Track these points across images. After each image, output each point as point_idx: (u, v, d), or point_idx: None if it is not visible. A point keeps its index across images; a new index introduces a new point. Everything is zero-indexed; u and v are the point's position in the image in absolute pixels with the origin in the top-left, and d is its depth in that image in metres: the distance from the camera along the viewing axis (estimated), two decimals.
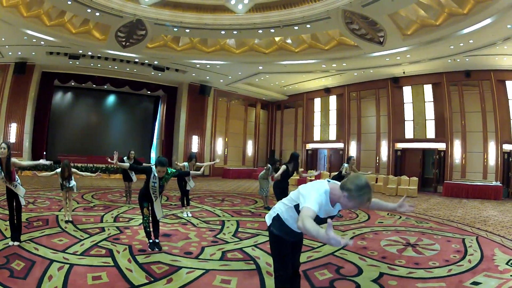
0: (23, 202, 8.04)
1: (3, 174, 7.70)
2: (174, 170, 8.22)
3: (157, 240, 8.08)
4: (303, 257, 6.86)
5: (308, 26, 20.13)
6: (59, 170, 10.81)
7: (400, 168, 26.27)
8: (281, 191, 11.80)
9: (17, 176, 7.98)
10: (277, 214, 4.41)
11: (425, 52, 20.74)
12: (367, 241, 9.10)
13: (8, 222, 8.12)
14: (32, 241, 8.16)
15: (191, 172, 9.31)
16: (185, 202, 12.71)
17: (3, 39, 22.75)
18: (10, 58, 26.60)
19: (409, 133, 26.42)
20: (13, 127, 27.56)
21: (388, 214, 13.61)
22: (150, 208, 8.01)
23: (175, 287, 5.88)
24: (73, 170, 11.08)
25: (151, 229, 8.07)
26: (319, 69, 25.80)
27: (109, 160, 8.23)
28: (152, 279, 6.18)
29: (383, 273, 6.69)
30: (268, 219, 4.53)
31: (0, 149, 7.61)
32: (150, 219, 8.05)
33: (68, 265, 6.60)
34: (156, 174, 7.81)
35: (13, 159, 7.91)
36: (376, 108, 28.10)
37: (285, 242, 4.45)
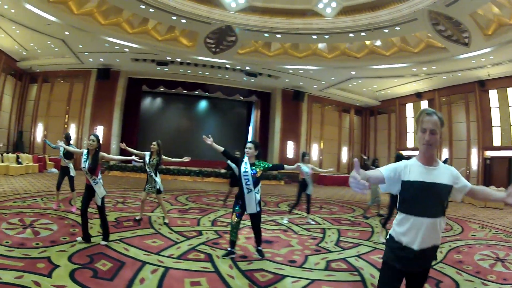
0: (98, 202, 8.12)
1: (87, 165, 8.02)
2: (269, 164, 7.97)
3: (259, 248, 7.95)
4: None
5: (398, 28, 20.05)
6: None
7: (489, 177, 25.20)
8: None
9: (100, 175, 8.24)
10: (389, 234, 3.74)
11: (505, 53, 20.09)
12: (462, 255, 8.99)
13: (80, 218, 8.16)
14: (122, 241, 8.42)
15: (285, 166, 8.57)
16: (305, 209, 13.19)
17: (80, 46, 24.26)
18: (91, 64, 28.44)
19: (496, 140, 25.41)
20: (99, 129, 29.30)
21: (479, 227, 13.50)
22: (240, 214, 7.74)
23: None
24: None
25: (237, 240, 7.93)
26: (409, 73, 25.57)
27: (204, 137, 7.98)
28: (256, 287, 6.20)
29: None
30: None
31: (89, 141, 8.11)
32: (239, 227, 7.94)
33: (163, 268, 6.71)
34: (247, 160, 7.72)
35: (102, 153, 8.29)
36: (465, 113, 27.28)
37: (393, 269, 3.58)
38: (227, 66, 27.03)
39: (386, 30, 20.36)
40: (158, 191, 10.96)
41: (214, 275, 6.55)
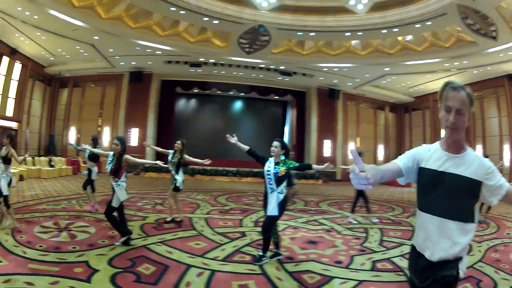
0: (115, 204, 7.99)
1: (111, 167, 8.10)
2: (296, 163, 7.50)
3: (261, 254, 7.48)
4: None
5: (429, 23, 19.75)
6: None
7: None
8: None
9: (123, 178, 8.22)
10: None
11: None
12: (499, 254, 8.81)
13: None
14: (164, 243, 8.31)
15: (313, 166, 7.96)
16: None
17: (110, 50, 24.43)
18: (123, 67, 28.64)
19: None
20: (134, 131, 29.72)
21: None
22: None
23: None
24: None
25: (279, 241, 7.71)
26: (441, 68, 25.19)
27: (228, 136, 7.91)
28: None
29: None
30: None
31: (113, 144, 8.19)
32: (279, 232, 7.72)
33: (209, 271, 6.55)
34: (272, 159, 7.42)
35: (127, 156, 8.21)
36: (497, 108, 26.82)
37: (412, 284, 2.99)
38: (261, 65, 26.97)
39: (417, 25, 20.14)
40: (177, 189, 10.89)
41: (262, 277, 6.39)
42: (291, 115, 36.77)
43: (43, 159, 24.18)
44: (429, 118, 33.39)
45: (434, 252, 2.71)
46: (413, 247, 2.93)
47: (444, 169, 2.73)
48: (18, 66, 25.17)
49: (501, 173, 10.11)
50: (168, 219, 10.72)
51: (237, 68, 27.53)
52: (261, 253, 7.37)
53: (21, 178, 18.98)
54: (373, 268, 7.26)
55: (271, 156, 7.43)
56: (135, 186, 19.21)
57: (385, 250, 8.74)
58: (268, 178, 7.26)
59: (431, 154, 2.85)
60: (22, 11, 18.23)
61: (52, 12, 18.27)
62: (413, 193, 14.28)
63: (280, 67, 27.10)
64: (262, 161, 7.53)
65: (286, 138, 36.74)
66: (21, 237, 7.91)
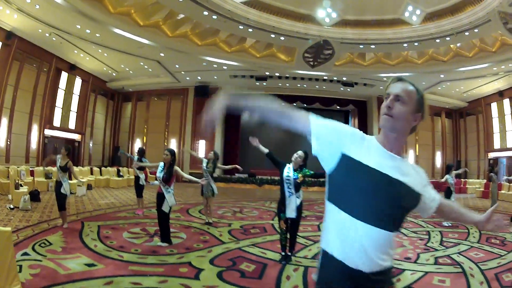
0: (166, 209, 8.69)
1: (162, 175, 8.77)
2: (312, 171, 8.00)
3: (289, 254, 7.99)
4: (493, 263, 8.22)
5: (476, 30, 20.22)
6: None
7: None
8: None
9: (173, 186, 8.92)
10: None
11: None
12: None
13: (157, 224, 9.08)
14: (256, 246, 9.10)
15: None
16: None
17: (176, 66, 25.46)
18: (188, 82, 29.74)
19: None
20: (202, 143, 30.86)
21: None
22: (287, 221, 7.89)
23: (405, 284, 6.71)
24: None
25: (287, 244, 8.02)
26: (490, 72, 25.36)
27: (251, 139, 8.54)
28: None
29: None
30: None
31: (164, 155, 8.88)
32: (288, 235, 7.99)
33: (303, 267, 7.34)
34: (291, 166, 7.91)
35: (176, 168, 8.95)
36: None
37: None
38: (325, 77, 27.55)
39: (467, 33, 20.61)
40: (213, 194, 11.88)
41: None
42: (353, 124, 36.67)
43: (111, 169, 25.09)
44: (482, 123, 33.27)
45: (366, 263, 2.18)
46: (329, 256, 2.27)
47: (387, 172, 2.21)
48: (78, 81, 26.44)
49: None
50: (210, 221, 11.68)
51: (301, 81, 28.21)
52: (289, 253, 7.94)
53: (89, 187, 19.71)
54: (436, 263, 8.27)
55: (290, 162, 7.96)
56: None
57: (445, 249, 9.70)
58: (287, 183, 7.78)
59: (364, 145, 2.31)
60: (81, 29, 19.18)
61: (117, 30, 19.19)
62: (469, 199, 15.03)
63: (343, 78, 27.63)
64: (280, 165, 8.05)
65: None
66: (112, 242, 8.49)
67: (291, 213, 7.74)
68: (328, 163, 2.34)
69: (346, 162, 2.24)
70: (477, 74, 25.91)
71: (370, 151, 2.26)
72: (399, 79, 2.41)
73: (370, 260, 2.16)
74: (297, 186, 7.82)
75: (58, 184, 10.02)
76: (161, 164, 8.94)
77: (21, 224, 9.52)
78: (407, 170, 2.28)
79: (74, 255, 7.21)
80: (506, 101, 30.06)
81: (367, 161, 2.20)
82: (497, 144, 31.54)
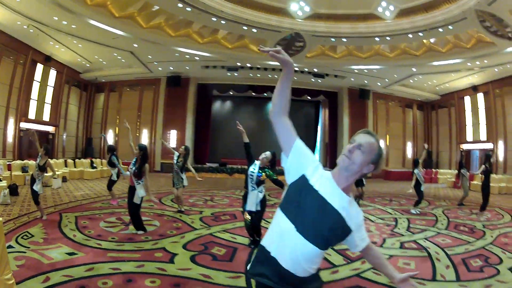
0: (137, 201, 9.13)
1: (134, 169, 9.22)
2: (275, 176, 8.27)
3: (257, 239, 8.42)
4: (461, 249, 8.84)
5: (451, 27, 20.62)
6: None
7: None
8: None
9: (143, 180, 9.27)
10: None
11: None
12: (508, 239, 10.15)
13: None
14: (226, 231, 9.73)
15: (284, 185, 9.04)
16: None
17: (149, 56, 25.61)
18: (161, 72, 29.91)
19: None
20: (173, 134, 30.85)
21: None
22: (252, 214, 8.26)
23: (369, 266, 7.05)
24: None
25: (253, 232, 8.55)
26: (464, 67, 25.94)
27: (238, 123, 8.49)
28: (350, 261, 7.60)
29: None
30: None
31: (135, 150, 9.45)
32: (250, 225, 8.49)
33: None
34: (258, 164, 8.24)
35: (146, 166, 9.37)
36: None
37: None
38: (296, 69, 27.27)
39: (441, 30, 20.95)
40: (183, 185, 12.50)
41: None
42: (323, 115, 37.51)
43: (85, 161, 25.19)
44: (454, 116, 33.91)
45: (295, 268, 2.62)
46: (266, 251, 2.73)
47: (331, 201, 2.60)
48: (53, 73, 26.28)
49: None
50: (182, 209, 12.36)
51: (272, 71, 28.48)
52: (257, 238, 8.40)
53: (64, 179, 19.83)
54: (401, 247, 8.91)
55: (258, 160, 8.32)
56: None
57: (411, 234, 10.35)
58: (250, 178, 8.17)
59: (321, 175, 2.71)
60: (58, 21, 19.18)
61: (92, 22, 19.22)
62: (440, 189, 15.71)
63: (314, 70, 28.05)
64: (250, 160, 8.36)
65: (318, 137, 37.98)
66: (89, 231, 8.91)
67: (250, 206, 8.16)
68: (291, 177, 2.75)
69: (303, 181, 2.66)
70: (451, 69, 26.52)
71: (322, 180, 2.66)
72: (368, 132, 2.77)
73: (302, 268, 2.63)
74: (259, 183, 8.20)
75: (32, 181, 10.39)
76: (134, 158, 9.43)
77: (3, 218, 9.76)
78: (347, 206, 2.65)
79: (55, 245, 7.58)
80: (480, 95, 30.79)
81: (318, 188, 2.62)
82: (469, 137, 32.28)
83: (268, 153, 8.37)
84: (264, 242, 2.78)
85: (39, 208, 10.33)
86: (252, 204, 8.12)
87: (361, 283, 6.42)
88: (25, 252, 6.99)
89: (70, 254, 7.07)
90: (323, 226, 2.59)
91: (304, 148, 2.73)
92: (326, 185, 2.65)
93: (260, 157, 8.31)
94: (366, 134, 2.74)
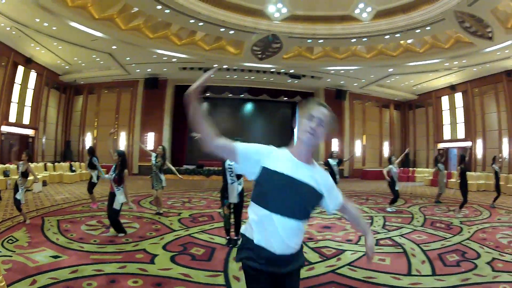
0: (117, 206, 9.35)
1: (114, 175, 9.41)
2: None
3: (235, 238, 8.77)
4: (437, 245, 9.13)
5: (428, 28, 21.07)
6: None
7: None
8: None
9: (122, 186, 9.49)
10: None
11: None
12: (486, 234, 10.47)
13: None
14: (204, 232, 10.02)
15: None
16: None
17: (127, 58, 25.69)
18: (139, 74, 29.93)
19: None
20: (150, 136, 30.98)
21: (505, 212, 14.73)
22: (231, 207, 8.77)
23: (345, 263, 7.54)
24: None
25: (231, 228, 8.88)
26: (442, 67, 26.45)
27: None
28: (325, 258, 7.92)
29: (495, 258, 8.05)
30: None
31: (114, 157, 9.59)
32: (232, 220, 8.88)
33: None
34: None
35: (126, 172, 9.61)
36: (496, 103, 27.76)
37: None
38: (272, 70, 28.17)
39: (418, 31, 21.37)
40: (162, 187, 12.70)
41: None
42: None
43: (64, 164, 25.34)
44: (432, 115, 34.41)
45: (282, 248, 2.87)
46: (250, 240, 2.98)
47: (296, 176, 2.88)
48: (33, 75, 26.08)
49: (501, 165, 11.65)
50: (160, 211, 12.51)
51: (249, 73, 28.76)
52: (235, 237, 8.72)
53: (44, 183, 19.88)
54: (376, 244, 8.97)
55: None
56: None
57: (386, 232, 10.68)
58: (229, 171, 8.51)
59: (279, 157, 2.95)
60: (40, 22, 19.18)
61: (73, 24, 19.27)
62: (417, 187, 16.20)
63: (290, 71, 28.34)
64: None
65: (295, 138, 37.58)
66: (72, 234, 9.13)
67: (234, 198, 8.61)
68: (252, 175, 2.97)
69: (265, 171, 2.90)
70: (428, 69, 26.94)
71: (281, 160, 2.92)
72: (320, 104, 3.00)
73: (286, 245, 2.89)
74: (238, 175, 8.62)
75: (15, 189, 10.56)
76: (114, 165, 9.61)
77: None
78: (314, 175, 2.98)
79: (39, 249, 7.81)
80: (458, 95, 31.33)
81: (280, 169, 2.87)
82: (447, 135, 32.80)
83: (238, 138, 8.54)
84: (245, 231, 3.07)
85: (22, 214, 10.53)
86: (234, 196, 8.57)
87: (336, 279, 6.64)
88: (11, 256, 7.18)
89: (54, 257, 7.29)
90: (297, 201, 2.88)
91: (247, 147, 2.96)
92: (288, 164, 2.92)
93: None
94: (320, 106, 2.99)
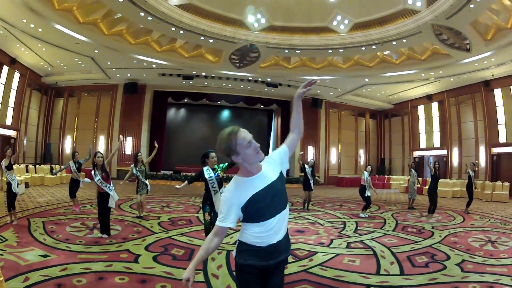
0: (112, 205, 9.84)
1: (99, 176, 9.69)
2: (225, 164, 8.90)
3: None
4: (407, 248, 9.50)
5: (404, 40, 21.71)
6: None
7: (496, 173, 26.19)
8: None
9: (111, 183, 9.99)
10: None
11: (506, 54, 21.19)
12: (458, 238, 10.90)
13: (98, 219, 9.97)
14: (183, 235, 10.43)
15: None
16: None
17: (108, 63, 26.02)
18: (118, 79, 30.23)
19: (503, 137, 26.25)
20: (129, 140, 31.16)
21: (480, 217, 15.29)
22: (212, 213, 8.86)
23: (316, 263, 7.96)
24: None
25: None
26: (418, 78, 27.11)
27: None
28: (298, 259, 8.28)
29: (465, 259, 8.41)
30: None
31: (98, 158, 9.86)
32: (211, 227, 8.57)
33: (225, 250, 8.48)
34: (208, 167, 8.80)
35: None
36: (473, 113, 28.36)
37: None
38: (249, 78, 28.75)
39: (394, 43, 22.01)
40: (147, 191, 13.17)
41: None
42: (276, 123, 38.21)
43: (45, 167, 25.44)
44: (407, 123, 35.09)
45: (279, 234, 3.28)
46: (252, 246, 3.25)
47: (269, 181, 3.28)
48: (17, 76, 26.09)
49: (476, 173, 12.27)
50: (141, 215, 12.83)
51: (226, 81, 29.28)
52: None
53: (26, 185, 19.96)
54: (347, 247, 9.58)
55: (206, 165, 8.85)
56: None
57: (358, 236, 11.08)
58: (211, 183, 8.69)
59: (244, 188, 3.23)
60: (27, 23, 19.33)
61: (58, 26, 19.50)
62: (392, 194, 16.80)
63: (267, 79, 28.82)
64: (201, 175, 8.94)
65: (271, 145, 38.59)
66: (58, 235, 9.44)
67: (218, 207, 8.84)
68: (238, 216, 3.26)
69: (249, 204, 3.18)
70: (405, 79, 27.65)
71: (250, 186, 3.23)
72: (240, 129, 3.40)
73: (282, 231, 3.33)
74: (220, 183, 8.84)
75: (9, 185, 10.84)
76: (93, 168, 9.87)
77: None
78: (268, 169, 3.39)
79: (29, 248, 8.13)
80: (434, 104, 32.08)
81: (256, 191, 3.20)
82: (422, 144, 33.52)
83: (213, 153, 8.89)
84: (241, 238, 3.34)
85: (13, 213, 10.75)
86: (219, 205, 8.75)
87: (308, 277, 7.04)
88: (2, 255, 7.45)
89: (43, 256, 7.61)
90: (281, 195, 3.33)
91: (229, 208, 3.25)
92: (253, 183, 3.24)
93: (208, 161, 8.86)
94: (243, 131, 3.40)
